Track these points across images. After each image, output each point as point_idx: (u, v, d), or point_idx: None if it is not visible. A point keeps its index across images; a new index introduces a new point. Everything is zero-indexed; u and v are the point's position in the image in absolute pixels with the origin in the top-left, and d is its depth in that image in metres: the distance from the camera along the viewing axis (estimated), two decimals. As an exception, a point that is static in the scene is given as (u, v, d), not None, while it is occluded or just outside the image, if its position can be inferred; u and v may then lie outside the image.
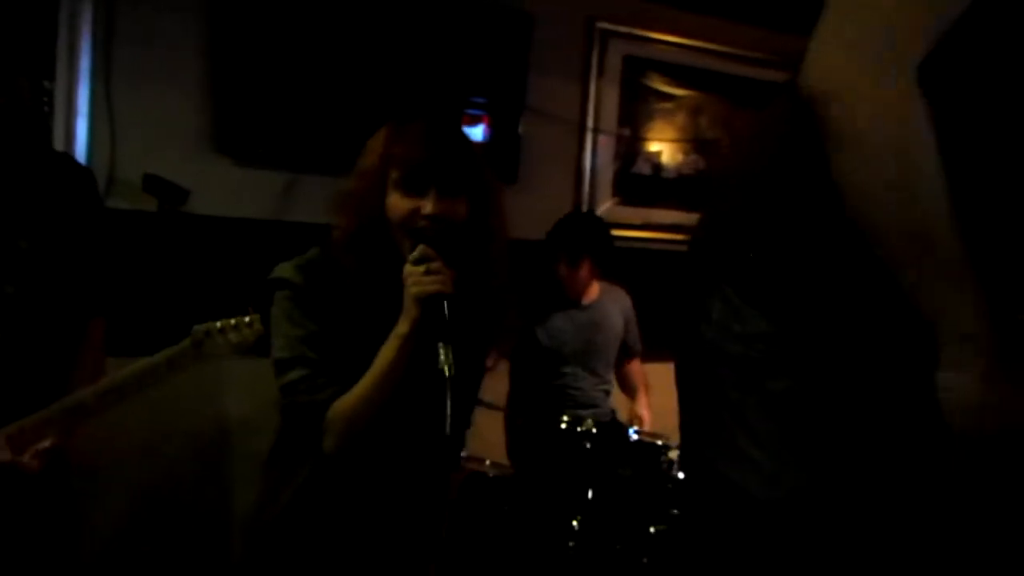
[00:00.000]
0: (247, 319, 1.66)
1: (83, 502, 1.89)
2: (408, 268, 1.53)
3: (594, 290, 3.27)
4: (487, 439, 2.94)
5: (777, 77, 1.70)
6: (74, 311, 1.76)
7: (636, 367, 3.41)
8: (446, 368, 1.43)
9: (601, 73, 3.64)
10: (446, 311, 1.49)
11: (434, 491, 1.71)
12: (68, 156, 1.78)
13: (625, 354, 3.37)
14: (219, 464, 3.01)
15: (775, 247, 1.14)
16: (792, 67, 1.07)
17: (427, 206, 1.56)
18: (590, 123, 3.65)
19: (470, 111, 3.33)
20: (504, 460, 2.94)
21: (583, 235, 3.18)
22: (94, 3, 2.75)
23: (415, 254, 1.54)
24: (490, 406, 3.02)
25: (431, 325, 1.50)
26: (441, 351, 1.44)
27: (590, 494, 2.49)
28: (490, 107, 3.35)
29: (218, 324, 1.66)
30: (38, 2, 2.69)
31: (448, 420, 1.39)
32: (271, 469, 1.71)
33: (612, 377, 3.34)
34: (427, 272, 1.51)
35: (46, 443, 1.61)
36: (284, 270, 1.62)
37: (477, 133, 3.34)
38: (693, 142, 3.87)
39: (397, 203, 1.59)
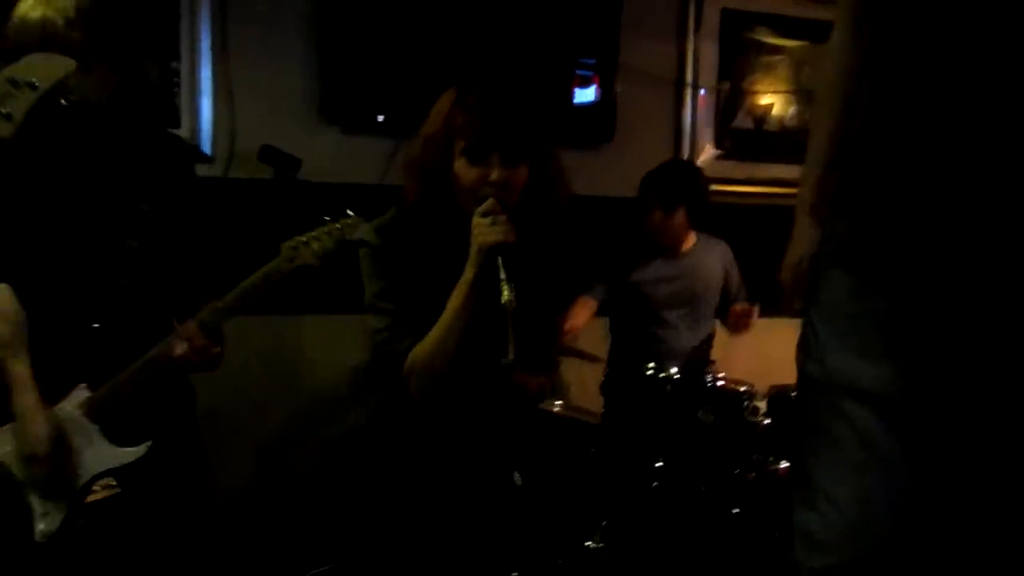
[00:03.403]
0: (326, 228, 1.84)
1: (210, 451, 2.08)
2: (476, 220, 1.70)
3: (690, 239, 3.24)
4: (590, 390, 3.03)
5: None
6: (183, 280, 1.94)
7: (740, 305, 3.26)
8: (508, 303, 1.57)
9: (698, 27, 3.63)
10: (509, 257, 1.64)
11: (510, 415, 1.85)
12: (178, 137, 1.99)
13: (729, 305, 3.30)
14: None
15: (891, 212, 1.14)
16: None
17: (493, 174, 1.72)
18: (688, 79, 3.64)
19: (580, 72, 3.36)
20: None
21: (679, 183, 3.15)
22: (210, -16, 2.96)
23: (483, 207, 1.70)
24: (591, 358, 3.12)
25: (496, 270, 1.64)
26: (504, 288, 1.58)
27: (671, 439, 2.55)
28: (599, 67, 3.37)
29: (303, 237, 1.85)
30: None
31: (510, 348, 1.53)
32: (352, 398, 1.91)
33: (713, 328, 3.30)
34: (493, 224, 1.66)
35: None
36: (365, 232, 1.84)
37: (588, 94, 3.37)
38: (796, 93, 3.80)
39: (464, 171, 1.75)
